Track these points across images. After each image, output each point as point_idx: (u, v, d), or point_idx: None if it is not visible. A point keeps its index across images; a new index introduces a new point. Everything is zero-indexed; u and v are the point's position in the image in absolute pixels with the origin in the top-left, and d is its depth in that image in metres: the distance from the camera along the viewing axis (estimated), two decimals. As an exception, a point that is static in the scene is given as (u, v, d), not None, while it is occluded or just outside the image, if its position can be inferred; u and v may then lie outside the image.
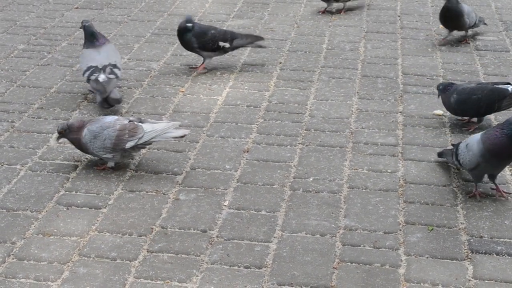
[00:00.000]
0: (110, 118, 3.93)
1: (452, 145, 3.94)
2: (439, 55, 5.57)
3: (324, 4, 6.53)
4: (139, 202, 3.68)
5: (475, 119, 4.47)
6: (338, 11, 6.52)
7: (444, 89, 4.41)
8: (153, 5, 6.74)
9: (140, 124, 3.89)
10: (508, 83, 4.40)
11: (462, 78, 5.10)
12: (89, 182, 3.86)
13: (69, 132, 3.93)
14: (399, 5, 6.77)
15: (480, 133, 3.65)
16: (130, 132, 3.86)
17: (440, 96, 4.47)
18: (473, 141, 3.63)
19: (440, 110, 4.58)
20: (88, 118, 3.99)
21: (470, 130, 4.40)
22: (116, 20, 6.30)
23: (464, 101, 4.33)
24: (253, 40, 5.34)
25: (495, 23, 6.26)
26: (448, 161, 3.92)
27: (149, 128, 3.88)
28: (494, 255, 3.31)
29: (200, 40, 5.11)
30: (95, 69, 4.59)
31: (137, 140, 3.86)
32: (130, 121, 3.91)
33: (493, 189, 3.75)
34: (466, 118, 4.51)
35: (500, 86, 4.39)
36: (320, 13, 6.50)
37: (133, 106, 4.71)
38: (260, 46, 5.43)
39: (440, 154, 4.02)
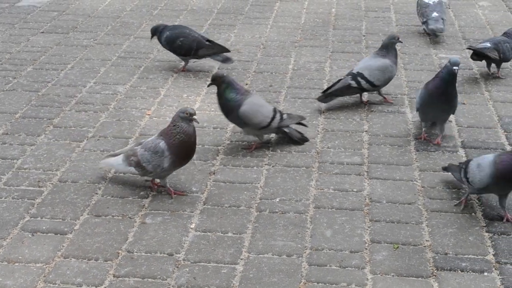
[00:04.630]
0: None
1: (460, 163, 3.96)
2: (403, 73, 5.64)
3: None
4: (105, 227, 3.67)
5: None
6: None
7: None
8: (119, 28, 6.74)
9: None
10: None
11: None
12: (54, 207, 3.83)
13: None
14: (364, 25, 6.83)
15: (493, 154, 3.70)
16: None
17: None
18: (486, 162, 3.68)
19: None
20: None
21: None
22: (82, 44, 6.29)
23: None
24: (218, 51, 5.56)
25: (458, 41, 6.35)
26: (454, 176, 3.96)
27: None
28: (459, 271, 3.34)
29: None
30: None
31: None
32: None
33: (501, 216, 3.77)
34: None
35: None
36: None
37: (99, 130, 4.70)
38: (228, 59, 5.55)
39: (446, 169, 4.09)
